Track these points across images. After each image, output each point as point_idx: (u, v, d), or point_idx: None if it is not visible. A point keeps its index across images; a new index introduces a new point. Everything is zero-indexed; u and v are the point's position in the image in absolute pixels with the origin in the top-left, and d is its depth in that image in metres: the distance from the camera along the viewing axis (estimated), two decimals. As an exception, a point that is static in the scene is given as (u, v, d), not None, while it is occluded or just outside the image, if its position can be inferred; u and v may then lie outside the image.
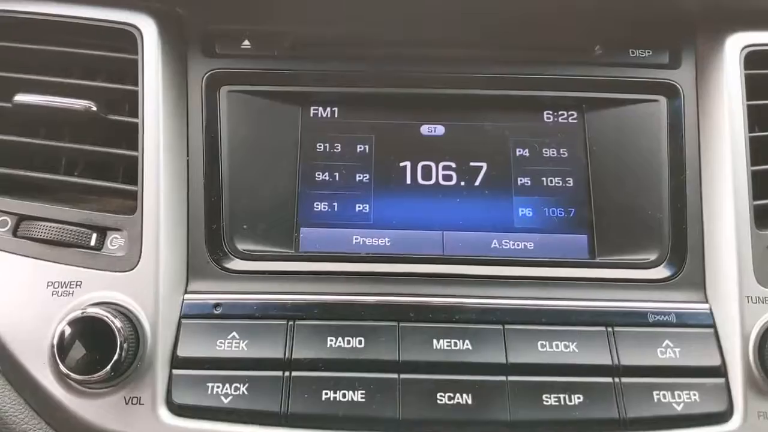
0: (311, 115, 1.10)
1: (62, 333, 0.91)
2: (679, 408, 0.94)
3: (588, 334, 0.98)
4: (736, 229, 1.01)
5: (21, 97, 1.03)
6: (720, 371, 0.97)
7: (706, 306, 1.02)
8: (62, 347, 0.90)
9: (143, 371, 0.94)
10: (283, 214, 1.05)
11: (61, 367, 0.90)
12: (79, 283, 0.96)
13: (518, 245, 1.06)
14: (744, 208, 1.02)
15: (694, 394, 0.96)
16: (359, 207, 1.06)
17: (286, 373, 0.94)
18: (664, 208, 1.06)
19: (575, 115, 1.10)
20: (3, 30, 1.06)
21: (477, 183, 1.08)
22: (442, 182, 1.08)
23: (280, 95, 1.09)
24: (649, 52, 1.11)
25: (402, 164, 1.08)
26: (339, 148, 1.09)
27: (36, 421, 0.95)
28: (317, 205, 1.06)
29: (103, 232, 0.99)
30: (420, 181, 1.08)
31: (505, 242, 1.06)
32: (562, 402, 0.94)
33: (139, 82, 1.03)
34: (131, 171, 1.02)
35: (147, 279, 0.96)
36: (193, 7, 1.09)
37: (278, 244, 1.05)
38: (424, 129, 1.10)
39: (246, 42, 1.09)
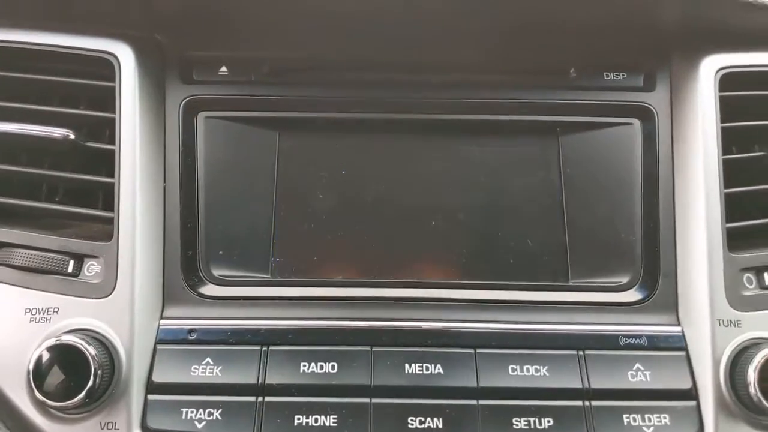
0: (288, 140, 1.10)
1: (39, 359, 0.92)
2: (649, 431, 0.95)
3: (559, 358, 0.99)
4: (709, 252, 1.02)
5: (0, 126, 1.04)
6: (691, 394, 0.98)
7: (678, 329, 1.03)
8: (38, 373, 0.92)
9: (118, 396, 0.95)
10: (259, 239, 1.07)
11: (37, 393, 0.91)
12: (56, 309, 0.98)
13: (492, 269, 1.06)
14: (717, 230, 1.02)
15: (665, 417, 0.96)
16: (334, 233, 1.07)
17: (260, 399, 0.96)
18: (636, 231, 1.07)
19: (550, 139, 1.11)
20: (-18, 59, 1.08)
21: (451, 207, 1.08)
22: (417, 207, 1.08)
23: (258, 121, 1.10)
24: (623, 75, 1.12)
25: (377, 189, 1.09)
26: (316, 173, 1.09)
27: (13, 443, 0.96)
28: (293, 230, 1.07)
29: (80, 258, 1.01)
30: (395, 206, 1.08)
31: (479, 266, 1.06)
32: (533, 425, 0.95)
33: (117, 110, 1.04)
34: (110, 197, 1.03)
35: (122, 306, 0.98)
36: (170, 34, 1.11)
37: (254, 269, 1.06)
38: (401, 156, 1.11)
39: (223, 68, 1.10)
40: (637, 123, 1.10)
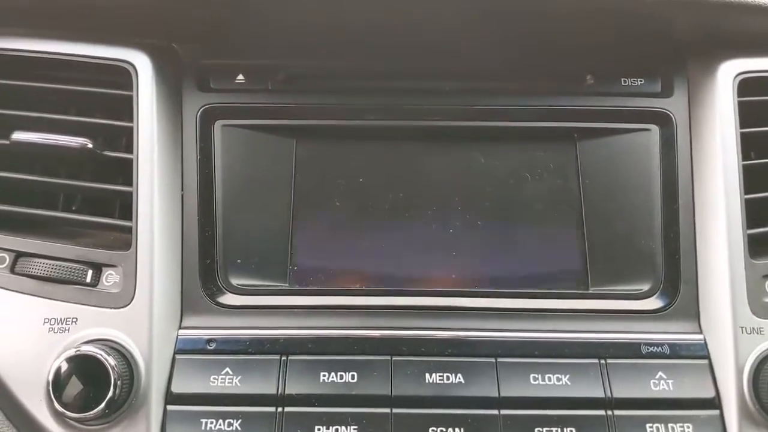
0: (305, 148, 1.10)
1: (58, 370, 0.92)
2: (672, 441, 0.94)
3: (581, 367, 0.98)
4: (730, 258, 1.01)
5: (18, 135, 1.04)
6: (714, 403, 0.97)
7: (700, 337, 1.02)
8: (58, 384, 0.91)
9: (138, 407, 0.95)
10: (277, 247, 1.06)
11: (56, 404, 0.91)
12: (74, 319, 0.97)
13: (511, 277, 1.06)
14: (738, 237, 1.01)
15: (688, 427, 0.95)
16: (352, 240, 1.07)
17: (279, 409, 0.95)
18: (657, 237, 1.06)
19: (567, 146, 1.10)
20: (0, 68, 1.08)
21: (469, 215, 1.08)
22: (435, 215, 1.08)
23: (275, 129, 1.10)
24: (641, 81, 1.11)
25: (395, 196, 1.08)
26: (333, 181, 1.09)
27: (33, 456, 0.96)
28: (311, 238, 1.07)
29: (98, 268, 1.00)
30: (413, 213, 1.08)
31: (498, 274, 1.06)
32: None
33: (134, 118, 1.04)
34: (127, 206, 1.03)
35: (141, 315, 0.97)
36: (187, 43, 1.11)
37: (272, 278, 1.05)
38: (419, 163, 1.10)
39: (240, 76, 1.10)
40: (655, 129, 1.09)
